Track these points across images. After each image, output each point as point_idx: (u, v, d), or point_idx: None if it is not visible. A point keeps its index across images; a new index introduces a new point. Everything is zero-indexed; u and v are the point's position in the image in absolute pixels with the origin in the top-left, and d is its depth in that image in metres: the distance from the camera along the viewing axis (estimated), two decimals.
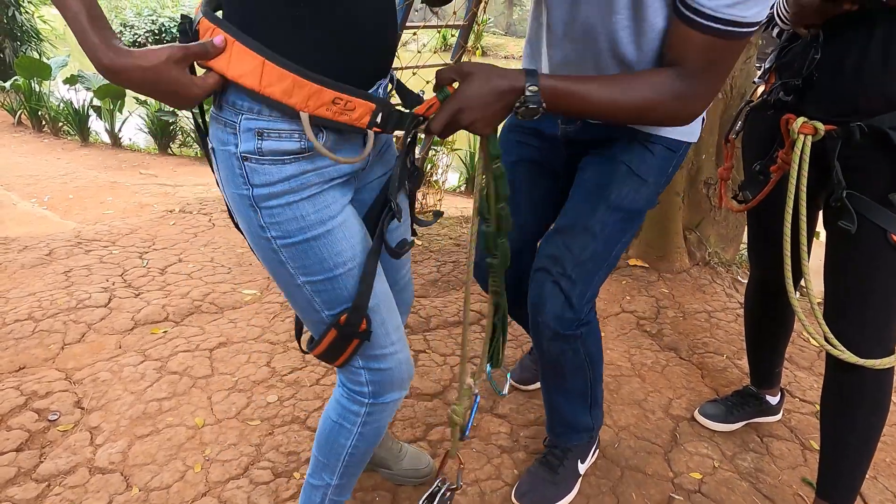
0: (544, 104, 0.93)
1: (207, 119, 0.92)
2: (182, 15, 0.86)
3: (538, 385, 1.88)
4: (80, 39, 0.74)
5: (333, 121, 0.86)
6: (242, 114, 0.84)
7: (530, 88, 0.92)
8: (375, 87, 0.93)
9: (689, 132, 1.25)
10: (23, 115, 7.68)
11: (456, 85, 0.93)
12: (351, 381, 1.07)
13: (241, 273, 2.60)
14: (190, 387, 1.81)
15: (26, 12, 9.56)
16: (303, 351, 1.08)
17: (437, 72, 0.95)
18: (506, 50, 19.88)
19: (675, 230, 2.68)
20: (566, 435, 1.51)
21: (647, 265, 2.73)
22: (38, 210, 4.25)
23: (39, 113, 7.42)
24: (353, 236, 0.95)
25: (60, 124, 7.33)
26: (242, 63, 0.81)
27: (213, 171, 0.94)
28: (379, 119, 0.89)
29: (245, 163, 0.86)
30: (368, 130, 0.90)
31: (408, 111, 0.93)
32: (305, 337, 1.09)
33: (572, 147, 1.33)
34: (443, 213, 1.06)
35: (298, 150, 0.86)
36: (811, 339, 2.23)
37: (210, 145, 0.91)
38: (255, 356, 1.97)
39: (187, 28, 0.84)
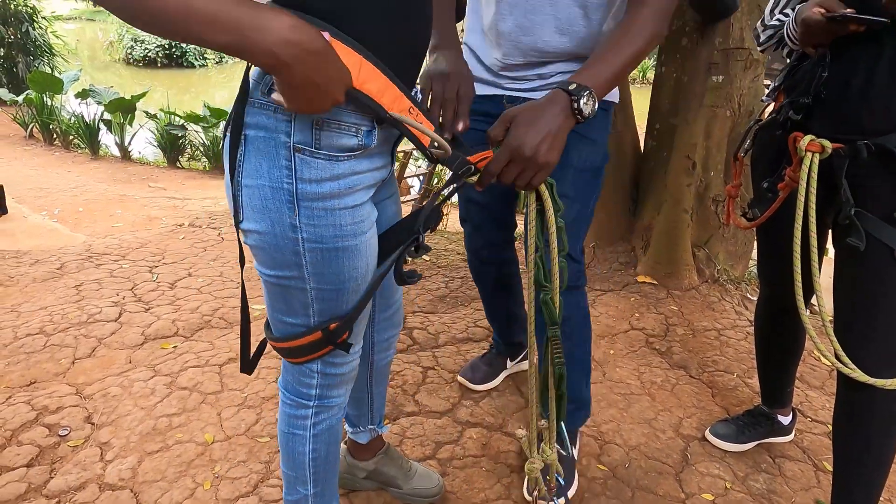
0: (594, 92, 0.96)
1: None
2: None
3: (486, 385, 1.96)
4: (252, 17, 0.66)
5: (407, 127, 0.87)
6: None
7: (570, 87, 0.95)
8: (413, 94, 0.94)
9: (615, 94, 1.41)
10: (34, 129, 7.78)
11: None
12: (298, 383, 1.07)
13: (251, 288, 2.60)
14: (199, 403, 1.81)
15: (40, 28, 9.71)
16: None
17: (487, 132, 0.96)
18: None
19: (684, 247, 2.68)
20: (572, 414, 1.59)
21: (655, 282, 2.72)
22: (49, 223, 4.30)
23: (51, 126, 7.52)
24: (370, 254, 0.96)
25: (71, 138, 7.42)
26: (341, 56, 0.78)
27: (229, 162, 0.87)
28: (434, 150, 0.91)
29: (297, 154, 0.82)
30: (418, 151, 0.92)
31: (458, 152, 0.94)
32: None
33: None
34: (430, 248, 1.06)
35: (356, 146, 0.85)
36: (822, 358, 2.22)
37: (243, 133, 0.85)
38: (265, 372, 1.97)
39: None
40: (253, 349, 1.07)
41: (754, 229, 1.60)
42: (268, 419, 1.75)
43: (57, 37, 10.31)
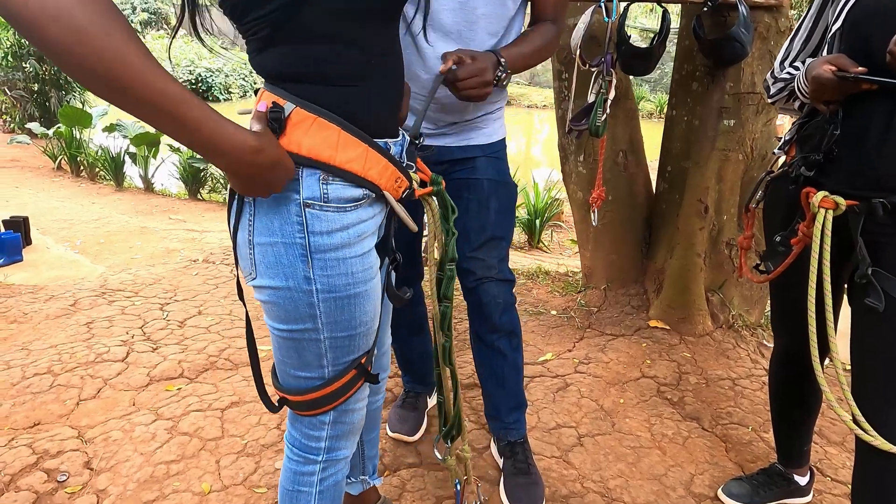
0: (509, 69, 1.29)
1: None
2: (273, 102, 0.85)
3: (421, 431, 1.92)
4: (213, 129, 0.73)
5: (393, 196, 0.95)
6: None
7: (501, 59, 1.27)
8: (402, 136, 0.99)
9: (504, 129, 1.63)
10: (63, 161, 8.01)
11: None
12: (307, 437, 1.06)
13: (258, 327, 2.60)
14: (199, 449, 1.79)
15: None
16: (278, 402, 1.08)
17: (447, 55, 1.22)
18: (529, 100, 20.23)
19: (698, 292, 2.62)
20: (518, 421, 1.71)
21: (668, 327, 2.66)
22: (70, 254, 4.38)
23: (78, 159, 7.73)
24: (377, 297, 0.99)
25: (97, 170, 7.62)
26: (348, 150, 0.87)
27: (238, 223, 0.91)
28: (406, 194, 0.99)
29: (307, 209, 0.86)
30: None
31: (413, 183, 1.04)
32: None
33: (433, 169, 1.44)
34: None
35: (361, 196, 0.90)
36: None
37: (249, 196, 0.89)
38: (266, 418, 1.95)
39: (281, 117, 0.85)
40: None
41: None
42: (266, 468, 1.72)
43: None
